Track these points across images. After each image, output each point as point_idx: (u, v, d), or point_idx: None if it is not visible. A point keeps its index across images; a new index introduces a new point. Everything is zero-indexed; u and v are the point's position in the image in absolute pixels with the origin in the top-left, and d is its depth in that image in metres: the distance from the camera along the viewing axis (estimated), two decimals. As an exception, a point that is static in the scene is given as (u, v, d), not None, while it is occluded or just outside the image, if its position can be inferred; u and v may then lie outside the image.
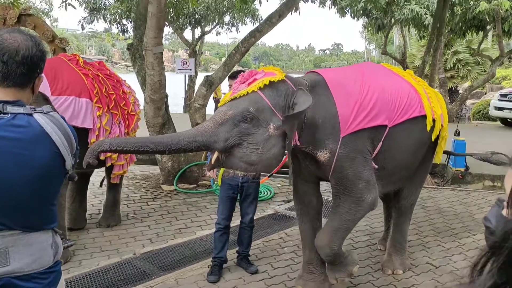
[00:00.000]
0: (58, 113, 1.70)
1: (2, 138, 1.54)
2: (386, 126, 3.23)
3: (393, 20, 11.99)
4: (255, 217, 4.13)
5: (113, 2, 12.74)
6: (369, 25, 13.77)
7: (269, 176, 4.78)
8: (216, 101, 15.59)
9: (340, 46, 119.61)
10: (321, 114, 3.03)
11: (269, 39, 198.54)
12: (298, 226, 3.75)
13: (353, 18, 12.95)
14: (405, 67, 11.86)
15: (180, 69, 13.75)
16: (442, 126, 3.57)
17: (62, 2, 8.36)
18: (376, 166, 3.28)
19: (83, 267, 3.99)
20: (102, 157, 4.25)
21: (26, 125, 1.57)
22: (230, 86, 3.90)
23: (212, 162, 2.91)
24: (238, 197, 3.96)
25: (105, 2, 13.18)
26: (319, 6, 13.13)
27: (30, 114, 1.60)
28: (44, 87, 3.83)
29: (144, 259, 4.16)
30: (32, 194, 1.60)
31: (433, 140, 3.55)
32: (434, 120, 3.47)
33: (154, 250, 4.32)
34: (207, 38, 22.74)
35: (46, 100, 3.68)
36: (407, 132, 3.35)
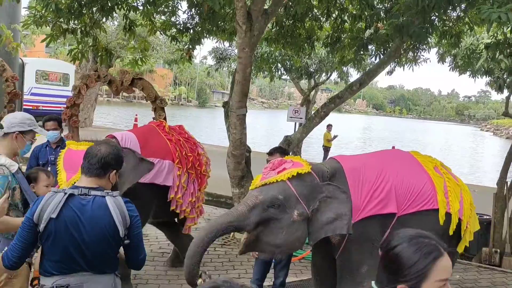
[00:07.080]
0: (121, 197, 2.52)
1: (90, 210, 2.40)
2: (394, 214, 3.41)
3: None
4: (306, 278, 4.43)
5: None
6: (492, 84, 12.96)
7: (311, 251, 5.02)
8: (325, 149, 15.89)
9: (487, 93, 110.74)
10: None
11: (407, 82, 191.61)
12: None
13: (473, 78, 12.34)
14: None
15: (291, 117, 14.32)
16: (460, 220, 3.61)
17: (181, 58, 9.69)
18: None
19: (137, 301, 4.67)
20: (177, 210, 4.96)
21: (100, 203, 2.43)
22: (267, 161, 4.32)
23: (242, 247, 3.36)
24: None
25: (231, 53, 14.64)
26: (438, 63, 12.82)
27: (104, 196, 2.44)
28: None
29: (189, 303, 4.69)
30: (99, 249, 2.41)
31: (451, 233, 3.59)
32: (450, 215, 3.54)
33: (201, 296, 4.83)
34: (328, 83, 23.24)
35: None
36: (419, 222, 3.43)
